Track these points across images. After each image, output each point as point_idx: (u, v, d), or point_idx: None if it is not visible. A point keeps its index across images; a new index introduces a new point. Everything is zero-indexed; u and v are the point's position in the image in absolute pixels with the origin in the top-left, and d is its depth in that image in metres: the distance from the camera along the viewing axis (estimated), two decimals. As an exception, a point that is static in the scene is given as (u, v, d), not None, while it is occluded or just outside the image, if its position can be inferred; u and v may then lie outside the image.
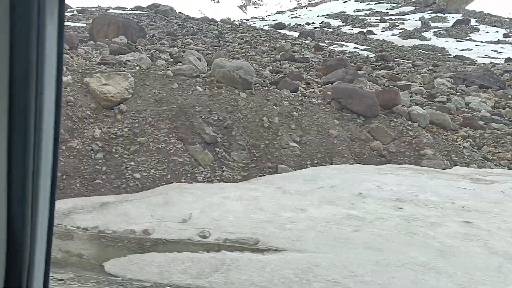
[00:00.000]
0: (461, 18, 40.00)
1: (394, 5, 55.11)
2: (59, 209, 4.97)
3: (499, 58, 22.41)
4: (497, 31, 34.26)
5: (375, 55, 19.81)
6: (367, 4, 59.25)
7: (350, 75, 12.04)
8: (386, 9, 53.73)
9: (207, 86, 8.27)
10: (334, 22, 42.11)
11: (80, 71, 7.88)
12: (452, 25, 36.29)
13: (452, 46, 27.00)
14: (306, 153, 7.50)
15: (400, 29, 35.58)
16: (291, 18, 56.47)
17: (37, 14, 0.87)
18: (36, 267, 1.06)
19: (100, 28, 13.14)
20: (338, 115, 8.53)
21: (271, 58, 15.21)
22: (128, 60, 9.13)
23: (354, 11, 55.36)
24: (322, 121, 8.15)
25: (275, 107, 8.23)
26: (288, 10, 74.45)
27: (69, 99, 7.06)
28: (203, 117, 7.49)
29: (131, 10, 26.06)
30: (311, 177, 6.47)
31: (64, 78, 7.54)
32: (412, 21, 41.00)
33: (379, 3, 60.73)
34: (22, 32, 0.85)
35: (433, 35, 31.80)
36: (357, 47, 24.28)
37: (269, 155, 7.29)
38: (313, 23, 42.09)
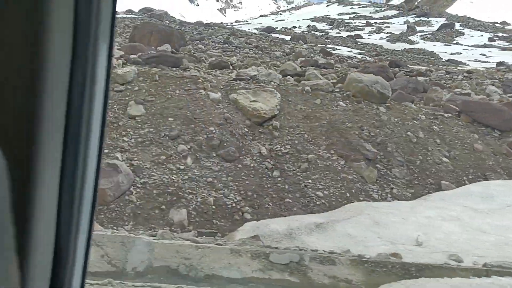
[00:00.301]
0: (446, 22, 40.66)
1: (377, 9, 55.77)
2: (276, 230, 5.06)
3: (490, 62, 22.80)
4: (482, 35, 34.95)
5: (372, 59, 19.91)
6: (351, 8, 59.80)
7: (413, 83, 12.02)
8: (370, 13, 54.30)
9: (347, 101, 8.26)
10: (320, 26, 42.32)
11: (221, 87, 8.10)
12: (438, 29, 36.86)
13: (440, 50, 27.37)
14: (459, 169, 7.59)
15: (387, 33, 35.98)
16: (276, 21, 56.53)
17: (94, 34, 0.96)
18: (76, 269, 1.11)
19: (142, 36, 12.98)
20: (473, 128, 8.61)
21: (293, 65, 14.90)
22: (255, 75, 9.21)
23: (338, 14, 55.74)
24: (462, 135, 8.29)
25: (415, 121, 8.33)
26: (272, 14, 74.63)
27: (227, 116, 7.28)
28: (356, 133, 7.58)
29: (124, 13, 25.67)
30: (484, 195, 6.56)
31: (214, 95, 7.92)
32: (397, 25, 41.52)
33: (362, 7, 61.38)
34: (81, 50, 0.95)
35: (420, 39, 32.24)
36: (351, 51, 24.40)
37: (427, 171, 7.35)
38: (299, 26, 42.20)
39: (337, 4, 67.95)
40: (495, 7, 79.09)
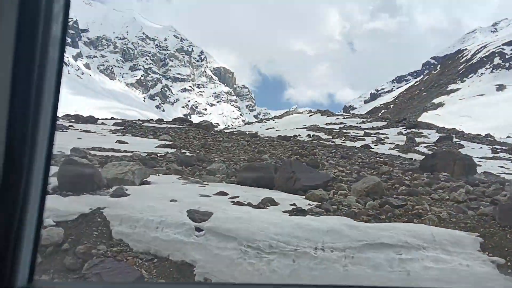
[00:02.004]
0: (443, 134, 42.40)
1: (363, 120, 58.02)
2: None
3: (517, 174, 23.33)
4: (481, 147, 36.43)
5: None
6: (337, 118, 62.00)
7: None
8: (357, 123, 56.26)
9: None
10: (319, 135, 43.23)
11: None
12: (437, 141, 38.24)
13: (457, 161, 28.05)
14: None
15: (390, 143, 36.96)
16: (266, 129, 57.63)
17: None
18: (22, 259, 1.11)
19: (446, 164, 12.54)
20: None
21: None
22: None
23: (326, 124, 57.44)
24: None
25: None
26: (257, 122, 76.48)
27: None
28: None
29: (170, 123, 25.33)
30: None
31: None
32: (393, 136, 42.92)
33: (347, 117, 63.85)
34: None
35: (428, 150, 33.16)
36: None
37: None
38: (299, 135, 43.02)
39: (320, 114, 70.52)
40: (457, 121, 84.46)
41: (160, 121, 33.46)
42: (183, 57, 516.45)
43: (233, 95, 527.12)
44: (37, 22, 0.99)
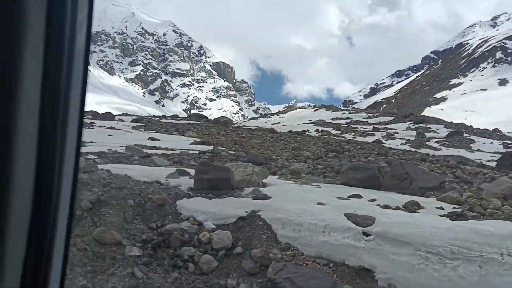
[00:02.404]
0: (453, 129, 42.47)
1: (370, 114, 58.06)
2: None
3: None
4: (492, 142, 36.57)
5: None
6: (342, 113, 62.02)
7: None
8: (363, 118, 56.29)
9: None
10: (328, 130, 43.30)
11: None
12: (447, 136, 38.34)
13: (471, 156, 28.09)
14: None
15: (401, 138, 37.04)
16: (272, 124, 57.74)
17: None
18: (54, 268, 1.12)
19: None
20: None
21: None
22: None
23: (332, 119, 57.43)
24: None
25: None
26: (261, 117, 76.54)
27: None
28: None
29: (186, 120, 25.38)
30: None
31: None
32: (402, 131, 43.00)
33: (353, 112, 63.87)
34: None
35: (439, 145, 33.26)
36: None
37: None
38: (307, 130, 43.12)
39: (325, 109, 70.53)
40: (461, 115, 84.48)
41: (175, 117, 33.51)
42: (183, 52, 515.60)
43: (233, 90, 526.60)
44: (64, 34, 1.03)
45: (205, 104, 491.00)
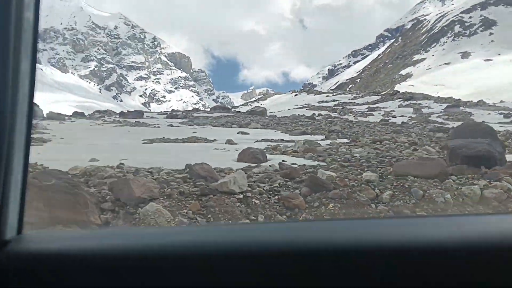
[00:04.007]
0: (448, 104, 43.47)
1: (355, 95, 58.69)
2: None
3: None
4: (489, 113, 37.66)
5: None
6: (327, 96, 62.37)
7: None
8: (349, 99, 56.80)
9: None
10: (324, 113, 43.47)
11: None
12: (445, 110, 39.19)
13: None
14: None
15: (401, 115, 37.58)
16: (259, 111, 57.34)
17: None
18: (10, 211, 1.16)
19: None
20: None
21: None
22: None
23: (318, 102, 57.56)
24: None
25: None
26: (242, 105, 76.16)
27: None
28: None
29: (216, 112, 24.69)
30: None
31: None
32: (395, 109, 43.63)
33: (336, 94, 64.40)
34: None
35: (443, 119, 33.93)
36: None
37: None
38: (303, 115, 43.11)
39: (306, 93, 70.74)
40: (432, 90, 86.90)
41: (196, 110, 32.78)
42: (136, 44, 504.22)
43: (191, 80, 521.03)
44: (10, 9, 1.08)
45: (164, 97, 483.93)
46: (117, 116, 23.91)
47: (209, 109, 36.79)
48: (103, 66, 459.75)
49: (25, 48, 1.14)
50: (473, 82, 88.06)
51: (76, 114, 24.32)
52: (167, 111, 33.09)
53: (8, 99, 1.10)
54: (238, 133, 14.56)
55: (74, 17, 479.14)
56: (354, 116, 39.26)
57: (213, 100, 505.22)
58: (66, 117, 20.29)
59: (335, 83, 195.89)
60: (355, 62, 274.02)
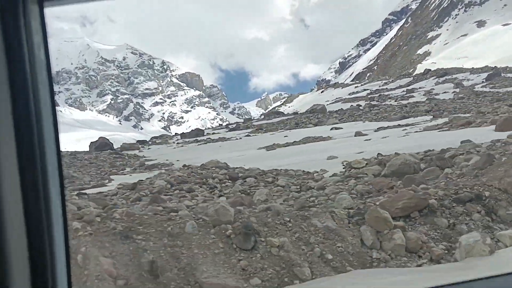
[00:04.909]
0: (491, 72, 42.88)
1: (385, 81, 58.34)
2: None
3: None
4: (529, 79, 37.25)
5: None
6: (356, 87, 62.12)
7: None
8: (380, 86, 56.46)
9: None
10: (362, 103, 43.36)
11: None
12: (487, 79, 38.77)
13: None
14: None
15: (444, 92, 37.36)
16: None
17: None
18: (58, 267, 1.19)
19: None
20: None
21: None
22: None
23: (349, 94, 57.25)
24: None
25: None
26: (276, 108, 76.52)
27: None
28: None
29: (269, 119, 25.11)
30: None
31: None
32: (435, 87, 43.21)
33: (365, 84, 64.09)
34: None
35: (489, 88, 33.58)
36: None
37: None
38: (341, 109, 43.16)
39: (333, 88, 70.52)
40: (457, 63, 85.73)
41: (249, 120, 33.11)
42: (147, 71, 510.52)
43: (205, 97, 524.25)
44: (23, 50, 1.13)
45: (182, 117, 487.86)
46: (179, 137, 24.38)
47: (262, 116, 37.13)
48: (119, 98, 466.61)
49: (43, 88, 1.19)
50: (496, 49, 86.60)
51: (140, 143, 24.91)
52: (223, 125, 33.53)
53: (36, 144, 1.15)
54: (331, 129, 14.83)
55: (83, 55, 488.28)
56: (395, 101, 39.14)
57: (229, 112, 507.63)
58: (141, 145, 20.81)
59: (350, 75, 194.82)
60: (365, 51, 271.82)
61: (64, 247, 1.23)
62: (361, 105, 39.56)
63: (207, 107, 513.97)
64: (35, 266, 1.14)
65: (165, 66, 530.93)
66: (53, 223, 1.18)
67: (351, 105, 44.39)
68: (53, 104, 1.23)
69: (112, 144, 26.00)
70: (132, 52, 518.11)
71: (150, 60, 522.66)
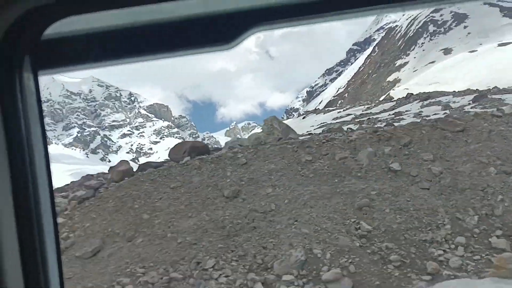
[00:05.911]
0: (477, 94, 44.07)
1: (367, 106, 59.26)
2: None
3: None
4: (517, 97, 38.58)
5: None
6: (338, 112, 62.76)
7: None
8: (363, 110, 57.22)
9: None
10: (354, 127, 43.80)
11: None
12: (473, 101, 39.82)
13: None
14: None
15: (434, 114, 38.09)
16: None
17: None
18: (50, 267, 1.23)
19: None
20: None
21: None
22: None
23: (333, 119, 57.67)
24: None
25: None
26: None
27: None
28: None
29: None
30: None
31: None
32: (422, 109, 44.10)
33: (347, 109, 64.86)
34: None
35: (480, 109, 34.45)
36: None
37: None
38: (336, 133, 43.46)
39: (315, 114, 71.05)
40: (429, 89, 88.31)
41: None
42: (114, 103, 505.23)
43: (174, 128, 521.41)
44: (17, 109, 1.19)
45: (150, 149, 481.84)
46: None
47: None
48: (85, 130, 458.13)
49: (35, 134, 1.26)
50: (466, 74, 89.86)
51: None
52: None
53: (29, 180, 1.18)
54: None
55: (47, 88, 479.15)
56: (385, 125, 39.70)
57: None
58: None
59: (319, 103, 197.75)
60: (332, 80, 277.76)
61: (55, 248, 1.25)
62: (352, 128, 39.76)
63: (176, 137, 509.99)
64: (28, 267, 1.16)
65: (132, 98, 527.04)
66: (44, 223, 1.20)
67: (347, 128, 44.58)
68: (41, 113, 1.26)
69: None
70: (98, 85, 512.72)
71: (117, 92, 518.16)
